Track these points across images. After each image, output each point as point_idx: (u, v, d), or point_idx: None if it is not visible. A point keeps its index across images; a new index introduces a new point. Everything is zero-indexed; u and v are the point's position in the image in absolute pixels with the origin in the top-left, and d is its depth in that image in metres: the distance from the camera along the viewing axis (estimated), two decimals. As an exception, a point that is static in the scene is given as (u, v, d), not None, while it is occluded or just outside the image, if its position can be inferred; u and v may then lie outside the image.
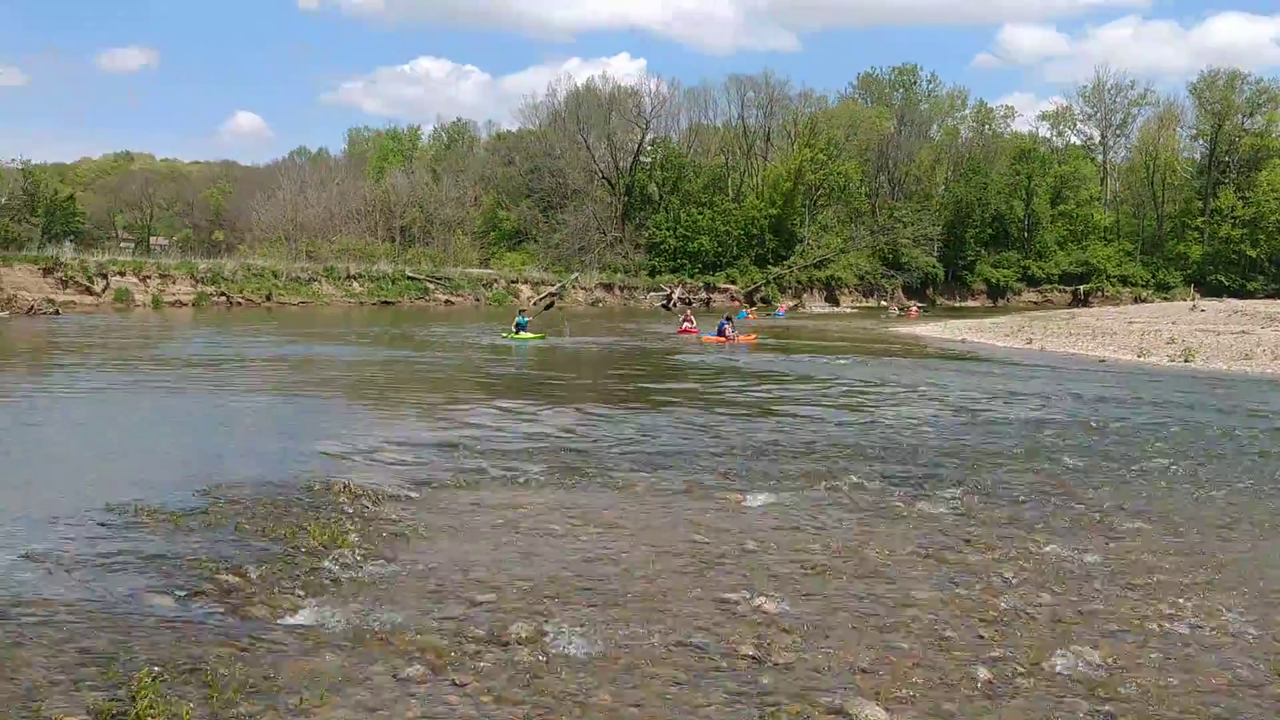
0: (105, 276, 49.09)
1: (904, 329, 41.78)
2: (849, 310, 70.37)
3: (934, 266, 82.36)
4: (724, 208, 76.04)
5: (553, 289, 65.47)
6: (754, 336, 31.66)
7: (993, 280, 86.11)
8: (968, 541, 7.93)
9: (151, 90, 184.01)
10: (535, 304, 61.86)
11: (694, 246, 73.12)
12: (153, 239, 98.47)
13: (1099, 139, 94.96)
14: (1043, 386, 19.55)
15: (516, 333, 30.04)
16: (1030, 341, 31.68)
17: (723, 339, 30.60)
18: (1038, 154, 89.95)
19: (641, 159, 79.08)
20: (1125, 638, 5.92)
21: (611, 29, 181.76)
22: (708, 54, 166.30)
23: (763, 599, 6.28)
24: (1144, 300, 73.81)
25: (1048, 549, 7.76)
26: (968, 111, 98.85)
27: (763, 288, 72.96)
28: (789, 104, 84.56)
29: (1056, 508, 9.16)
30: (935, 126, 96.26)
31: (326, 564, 6.57)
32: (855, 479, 10.12)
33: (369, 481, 9.11)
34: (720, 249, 74.15)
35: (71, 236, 72.18)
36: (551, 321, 42.23)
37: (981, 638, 5.84)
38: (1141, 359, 25.93)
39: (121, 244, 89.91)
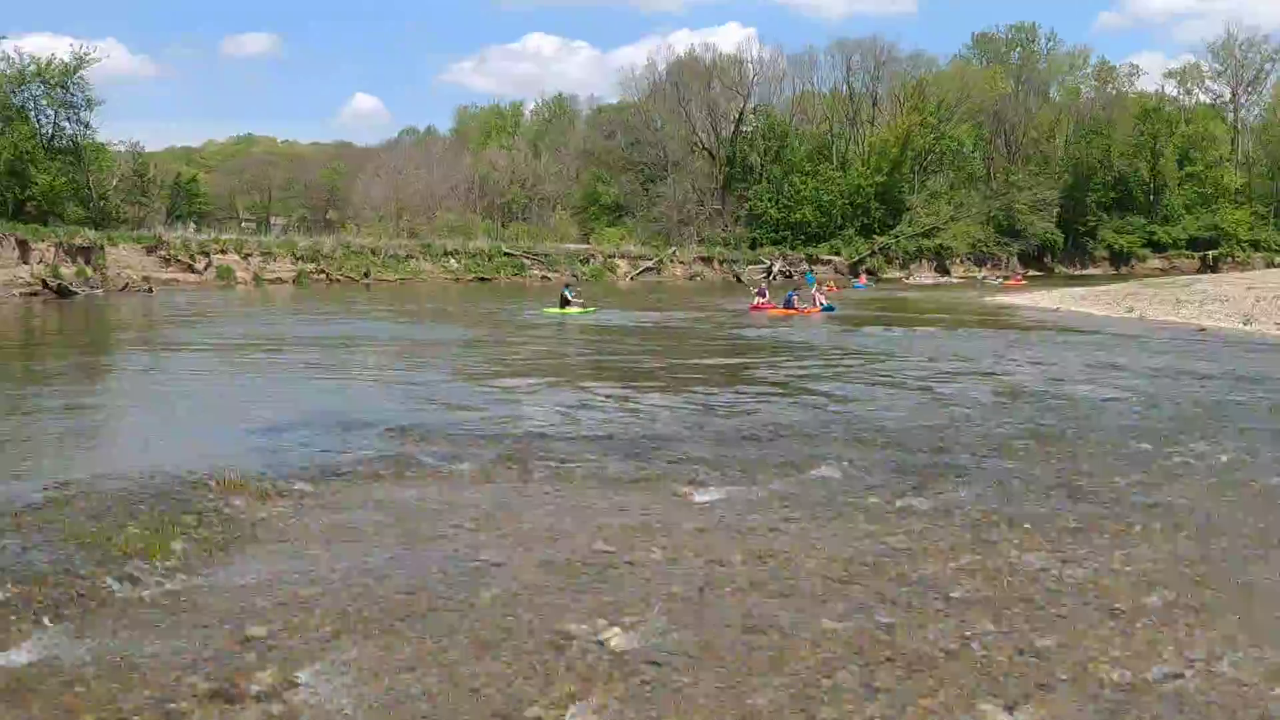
0: (207, 255, 50.29)
1: (999, 299, 39.49)
2: (955, 280, 67.41)
3: (1052, 233, 78.35)
4: (827, 176, 73.52)
5: (649, 263, 64.34)
6: (818, 309, 30.13)
7: (1116, 247, 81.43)
8: (931, 548, 6.56)
9: (275, 74, 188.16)
10: (631, 279, 60.88)
11: (796, 217, 70.78)
12: (272, 218, 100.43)
13: (1229, 97, 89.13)
14: (1116, 359, 17.66)
15: (563, 307, 28.90)
16: (1131, 310, 29.39)
17: (791, 310, 29.17)
18: (1163, 113, 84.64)
19: (743, 128, 77.04)
20: (1067, 691, 4.50)
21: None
22: (820, 20, 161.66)
23: (617, 630, 5.04)
24: (1277, 265, 69.22)
25: (1026, 558, 6.35)
26: (1089, 70, 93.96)
27: (868, 259, 70.40)
28: (898, 67, 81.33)
29: (1063, 506, 7.65)
30: (1054, 86, 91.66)
31: (110, 579, 5.50)
32: (842, 468, 8.79)
33: (269, 471, 8.15)
34: (824, 219, 71.63)
35: (195, 218, 74.06)
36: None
37: (872, 688, 4.49)
38: (1247, 328, 23.63)
39: (243, 224, 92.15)
